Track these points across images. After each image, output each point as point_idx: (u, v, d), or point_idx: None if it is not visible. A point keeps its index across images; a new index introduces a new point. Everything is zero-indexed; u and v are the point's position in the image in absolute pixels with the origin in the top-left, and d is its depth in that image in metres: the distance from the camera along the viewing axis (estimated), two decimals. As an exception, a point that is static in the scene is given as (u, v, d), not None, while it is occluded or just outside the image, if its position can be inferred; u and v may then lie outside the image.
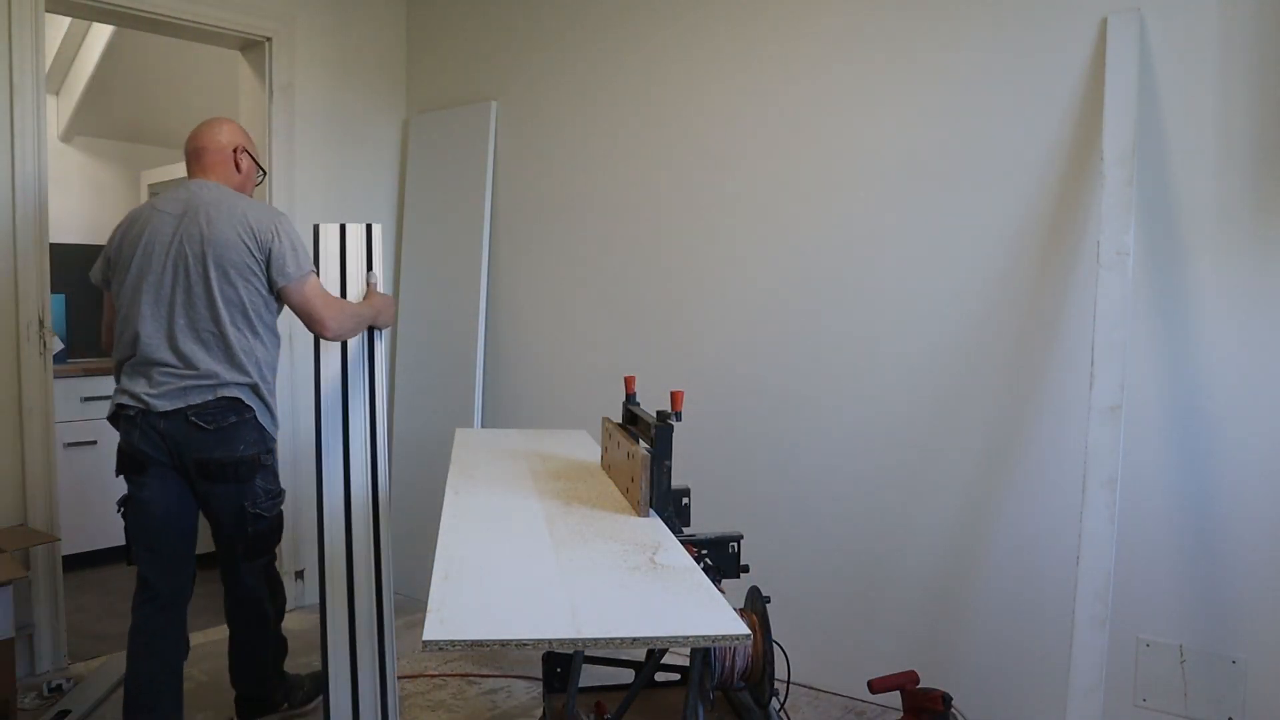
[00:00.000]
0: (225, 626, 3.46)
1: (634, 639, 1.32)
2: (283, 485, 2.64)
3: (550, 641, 1.32)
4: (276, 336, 2.55)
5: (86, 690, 2.81)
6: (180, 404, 2.37)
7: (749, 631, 1.32)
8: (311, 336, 2.61)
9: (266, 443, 2.51)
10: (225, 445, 2.41)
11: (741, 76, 3.06)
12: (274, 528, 2.61)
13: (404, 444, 3.92)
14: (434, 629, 1.29)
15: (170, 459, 2.41)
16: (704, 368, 3.16)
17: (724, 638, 1.32)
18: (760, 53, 3.02)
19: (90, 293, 4.78)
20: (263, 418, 2.48)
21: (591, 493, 2.11)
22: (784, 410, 2.98)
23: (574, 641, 1.31)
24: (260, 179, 2.71)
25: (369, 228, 2.75)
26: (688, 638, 1.33)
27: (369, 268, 2.74)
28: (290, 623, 3.51)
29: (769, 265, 3.01)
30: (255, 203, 2.53)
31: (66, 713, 2.65)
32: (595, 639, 1.30)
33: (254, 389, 2.45)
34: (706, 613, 1.39)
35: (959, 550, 2.66)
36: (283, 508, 2.64)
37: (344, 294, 2.69)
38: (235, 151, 2.56)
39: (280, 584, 2.81)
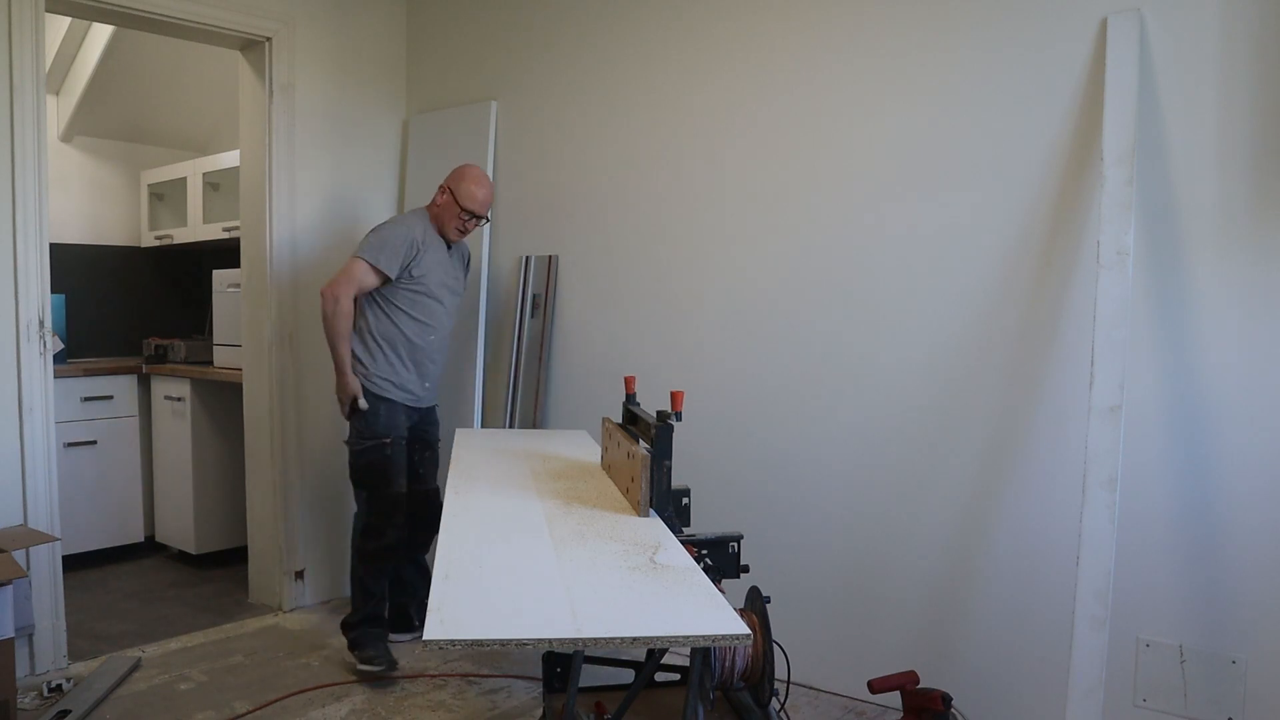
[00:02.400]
0: (224, 628, 3.48)
1: (634, 639, 1.33)
2: (384, 438, 3.11)
3: (550, 641, 1.32)
4: (385, 311, 3.12)
5: (86, 690, 2.81)
6: None
7: (749, 631, 1.32)
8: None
9: (361, 390, 3.10)
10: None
11: (740, 76, 3.06)
12: (358, 466, 3.14)
13: (404, 444, 3.91)
14: (434, 629, 1.29)
15: None
16: (704, 368, 3.16)
17: (724, 637, 1.32)
18: (760, 53, 3.01)
19: (90, 292, 4.81)
20: (359, 370, 3.11)
21: (591, 493, 2.11)
22: (784, 410, 2.98)
23: (574, 641, 1.31)
24: (466, 222, 3.19)
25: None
26: (688, 637, 1.33)
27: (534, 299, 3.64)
28: (289, 622, 3.52)
29: (769, 264, 3.01)
30: (398, 215, 3.37)
31: (66, 713, 2.65)
32: (595, 639, 1.30)
33: (356, 350, 3.13)
34: (706, 613, 1.39)
35: (959, 550, 2.66)
36: (360, 466, 3.13)
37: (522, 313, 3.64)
38: (440, 188, 3.21)
39: (370, 533, 3.16)
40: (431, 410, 3.35)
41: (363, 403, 3.09)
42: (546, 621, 1.35)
